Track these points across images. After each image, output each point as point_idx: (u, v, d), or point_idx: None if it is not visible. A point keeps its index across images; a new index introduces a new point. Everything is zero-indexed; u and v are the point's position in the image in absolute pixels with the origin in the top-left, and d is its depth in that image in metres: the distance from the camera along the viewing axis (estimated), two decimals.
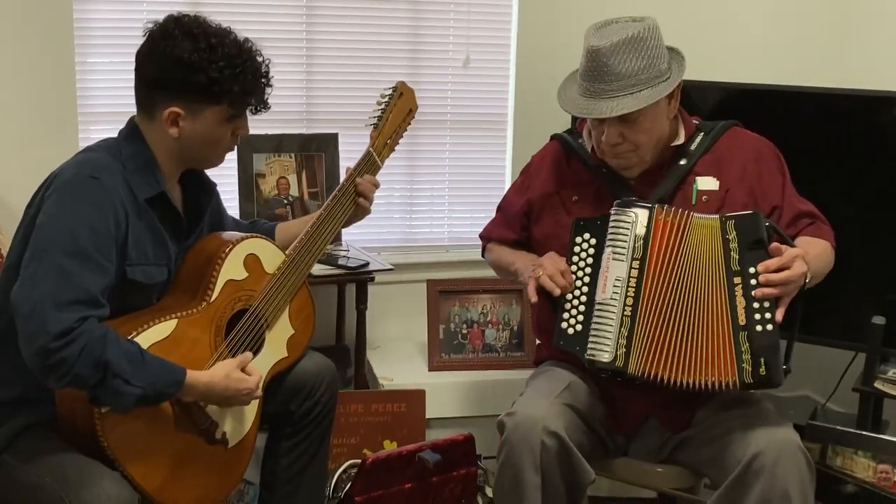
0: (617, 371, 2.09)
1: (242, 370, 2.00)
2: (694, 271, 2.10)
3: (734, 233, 2.08)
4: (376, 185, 2.32)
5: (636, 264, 2.11)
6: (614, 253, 2.12)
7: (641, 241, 2.12)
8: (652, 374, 2.08)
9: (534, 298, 2.16)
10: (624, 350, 2.08)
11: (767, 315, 2.04)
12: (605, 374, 2.15)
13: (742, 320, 2.05)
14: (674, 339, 2.09)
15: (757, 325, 2.04)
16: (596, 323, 2.11)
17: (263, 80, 2.02)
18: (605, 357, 2.08)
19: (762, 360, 2.03)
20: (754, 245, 2.06)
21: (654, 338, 2.09)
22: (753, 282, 2.05)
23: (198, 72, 1.93)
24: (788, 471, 1.96)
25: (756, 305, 2.04)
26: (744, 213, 2.11)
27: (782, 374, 2.05)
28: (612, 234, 2.14)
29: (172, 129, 1.98)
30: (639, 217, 2.13)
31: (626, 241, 2.12)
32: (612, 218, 2.15)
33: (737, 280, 2.07)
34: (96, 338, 1.77)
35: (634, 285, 2.10)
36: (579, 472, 2.07)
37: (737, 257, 2.07)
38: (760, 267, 2.04)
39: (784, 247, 2.05)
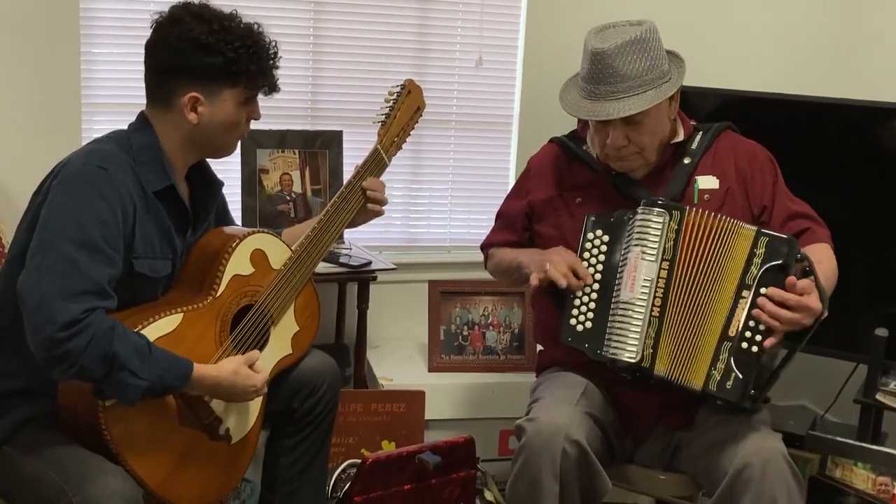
0: (643, 371, 2.09)
1: (250, 367, 1.98)
2: (715, 275, 2.10)
3: (763, 249, 2.07)
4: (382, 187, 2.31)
5: (665, 265, 2.11)
6: (644, 252, 2.12)
7: (672, 242, 2.12)
8: (673, 376, 2.09)
9: (535, 282, 2.14)
10: (651, 350, 2.08)
11: (758, 337, 2.03)
12: (628, 375, 2.15)
13: (732, 332, 2.05)
14: (689, 340, 2.09)
15: (744, 343, 2.04)
16: (620, 322, 2.11)
17: (273, 61, 2.02)
18: (632, 357, 2.08)
19: (734, 375, 2.03)
20: (776, 268, 2.04)
21: (678, 338, 2.09)
22: (760, 301, 2.04)
23: (215, 53, 1.92)
24: (776, 481, 1.97)
25: (752, 324, 2.04)
26: (781, 236, 2.09)
27: (749, 398, 2.04)
28: (640, 233, 2.13)
29: (192, 114, 1.96)
30: (670, 217, 2.12)
31: (656, 241, 2.12)
32: (639, 217, 2.14)
33: (745, 294, 2.06)
34: (104, 330, 1.75)
35: (663, 286, 2.11)
36: (597, 482, 2.07)
37: (755, 273, 2.06)
38: (770, 291, 2.02)
39: (803, 286, 1.99)
